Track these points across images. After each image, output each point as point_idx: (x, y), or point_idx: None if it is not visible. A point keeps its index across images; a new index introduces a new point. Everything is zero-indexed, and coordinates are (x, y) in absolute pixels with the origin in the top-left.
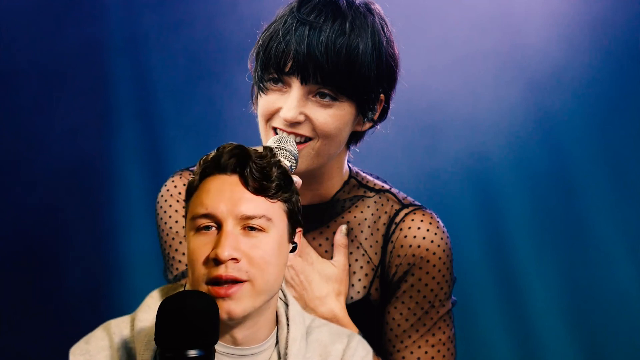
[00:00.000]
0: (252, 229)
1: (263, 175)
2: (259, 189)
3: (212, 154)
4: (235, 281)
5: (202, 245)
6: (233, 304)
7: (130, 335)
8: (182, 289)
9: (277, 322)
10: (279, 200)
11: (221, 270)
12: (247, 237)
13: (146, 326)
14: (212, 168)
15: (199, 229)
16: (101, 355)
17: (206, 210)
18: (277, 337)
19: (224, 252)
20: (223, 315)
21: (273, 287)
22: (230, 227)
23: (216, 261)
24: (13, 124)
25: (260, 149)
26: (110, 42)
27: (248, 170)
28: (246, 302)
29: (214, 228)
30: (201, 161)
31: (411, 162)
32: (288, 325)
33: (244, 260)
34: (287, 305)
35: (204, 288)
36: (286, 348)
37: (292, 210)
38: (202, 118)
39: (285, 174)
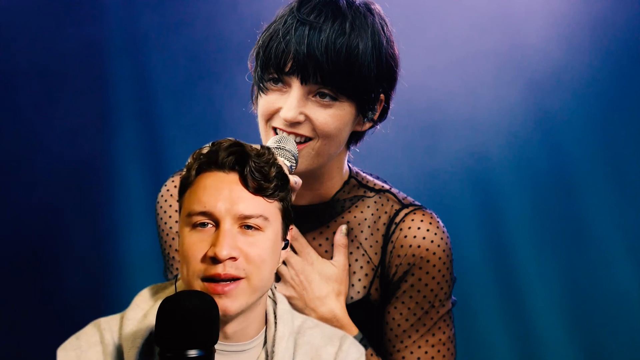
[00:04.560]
0: (249, 227)
1: (262, 175)
2: (258, 189)
3: (207, 149)
4: (233, 279)
5: (198, 242)
6: (229, 302)
7: (118, 333)
8: (173, 287)
9: (266, 320)
10: (275, 199)
11: (219, 269)
12: (244, 236)
13: (133, 324)
14: (209, 164)
15: (194, 226)
16: (92, 350)
17: (204, 208)
18: (266, 335)
19: (223, 251)
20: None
21: (267, 284)
22: (228, 225)
23: (214, 259)
24: (13, 124)
25: (256, 146)
26: (110, 42)
27: (247, 169)
28: (242, 299)
29: (210, 225)
30: (195, 155)
31: (411, 162)
32: (276, 323)
33: (242, 258)
34: (275, 303)
35: (199, 284)
36: (273, 346)
37: (287, 208)
38: (202, 118)
39: (282, 173)
